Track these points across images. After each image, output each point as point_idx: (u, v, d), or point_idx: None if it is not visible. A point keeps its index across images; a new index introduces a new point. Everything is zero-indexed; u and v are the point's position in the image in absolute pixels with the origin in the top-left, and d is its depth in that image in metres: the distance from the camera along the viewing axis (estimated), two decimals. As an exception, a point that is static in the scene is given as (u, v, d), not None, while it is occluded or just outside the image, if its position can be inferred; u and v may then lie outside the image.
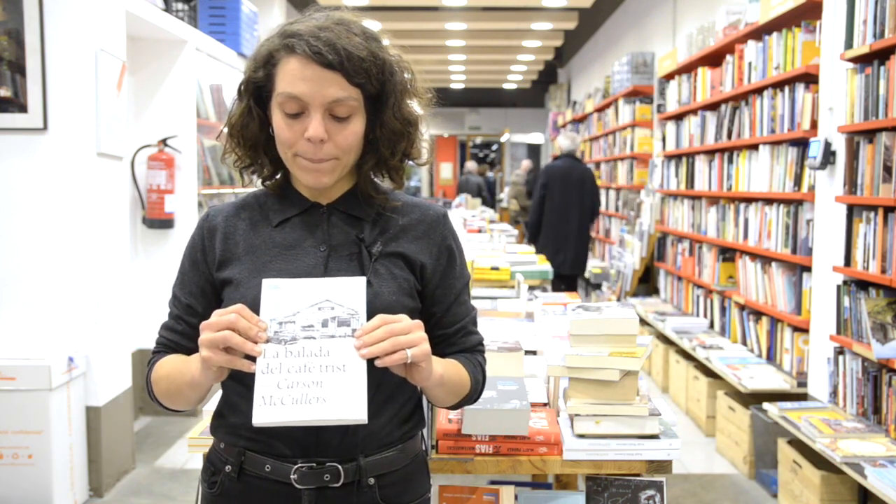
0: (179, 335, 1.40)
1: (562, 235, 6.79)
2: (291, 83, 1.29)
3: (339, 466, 1.33)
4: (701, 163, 5.66)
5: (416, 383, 1.29)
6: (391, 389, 1.37)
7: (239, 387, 1.36)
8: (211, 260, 1.40)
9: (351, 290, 1.23)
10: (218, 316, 1.20)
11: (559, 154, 7.22)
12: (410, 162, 1.46)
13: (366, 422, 1.18)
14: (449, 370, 1.35)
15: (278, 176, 1.45)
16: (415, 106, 1.42)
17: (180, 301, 1.41)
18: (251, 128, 1.38)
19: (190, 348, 1.36)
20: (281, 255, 1.37)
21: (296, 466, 1.32)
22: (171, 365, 1.35)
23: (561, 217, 6.80)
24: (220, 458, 1.39)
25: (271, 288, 1.23)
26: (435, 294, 1.42)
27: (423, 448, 1.49)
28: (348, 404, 1.18)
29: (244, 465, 1.35)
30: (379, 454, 1.36)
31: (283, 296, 1.22)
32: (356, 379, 1.19)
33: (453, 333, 1.44)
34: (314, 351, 1.20)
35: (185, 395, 1.34)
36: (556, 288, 5.85)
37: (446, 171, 19.93)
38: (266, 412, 1.17)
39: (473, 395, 1.45)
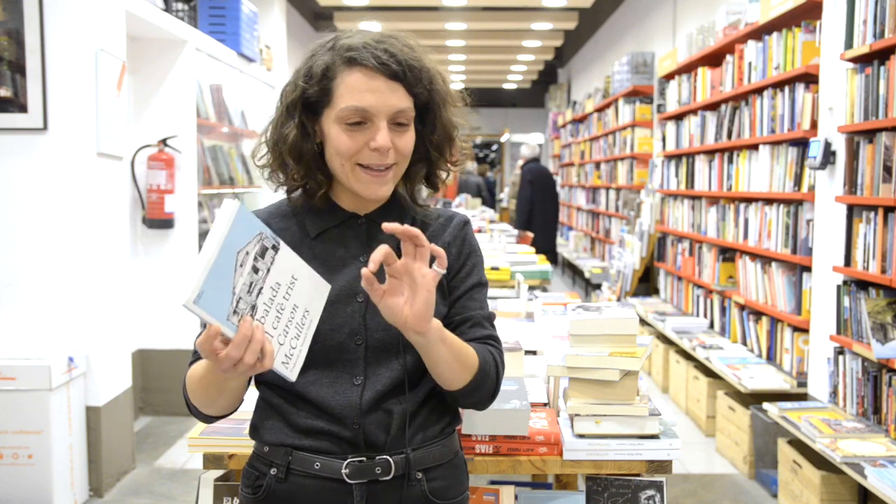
0: None
1: (546, 223, 8.85)
2: (357, 96, 1.31)
3: (390, 459, 1.35)
4: (701, 163, 5.66)
5: (418, 334, 1.24)
6: (432, 383, 1.39)
7: (277, 390, 1.38)
8: None
9: (242, 219, 1.14)
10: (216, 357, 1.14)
11: (529, 159, 9.25)
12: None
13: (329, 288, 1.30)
14: (449, 334, 1.31)
15: (305, 188, 1.44)
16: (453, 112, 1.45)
17: None
18: (307, 146, 1.36)
19: None
20: (322, 267, 1.36)
21: (347, 461, 1.34)
22: (206, 364, 1.29)
23: (546, 206, 8.91)
24: (265, 462, 1.39)
25: (197, 296, 1.09)
26: (452, 283, 1.43)
27: (461, 448, 1.51)
28: (318, 294, 1.29)
29: (291, 465, 1.36)
30: (424, 448, 1.38)
31: (211, 279, 1.10)
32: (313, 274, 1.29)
33: (461, 322, 1.41)
34: (270, 298, 1.19)
35: (224, 388, 1.28)
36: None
37: (446, 171, 19.90)
38: (296, 368, 1.24)
39: (485, 378, 1.37)
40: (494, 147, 21.95)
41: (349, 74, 1.31)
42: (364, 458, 1.34)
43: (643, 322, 6.00)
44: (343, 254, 1.39)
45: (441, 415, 1.43)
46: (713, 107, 5.45)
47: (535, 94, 18.14)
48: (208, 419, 1.38)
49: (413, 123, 1.37)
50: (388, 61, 1.31)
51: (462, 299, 1.43)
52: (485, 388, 1.38)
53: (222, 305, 1.12)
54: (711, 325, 5.42)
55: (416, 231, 1.19)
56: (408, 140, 1.36)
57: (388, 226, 1.19)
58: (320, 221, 1.41)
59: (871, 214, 3.27)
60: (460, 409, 1.53)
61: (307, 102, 1.35)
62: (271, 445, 1.38)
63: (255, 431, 1.42)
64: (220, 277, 1.11)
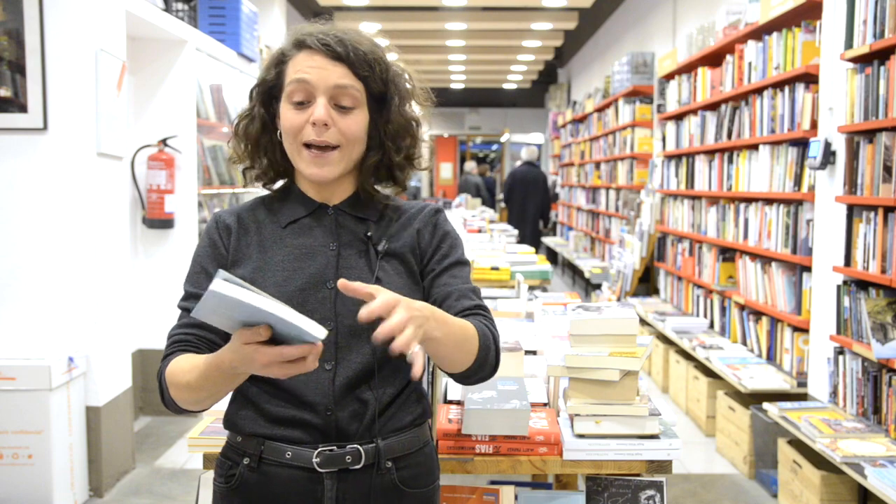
0: (195, 335, 1.40)
1: (523, 218, 9.95)
2: (299, 70, 1.39)
3: (360, 448, 1.37)
4: (701, 163, 5.66)
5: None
6: (405, 376, 1.42)
7: (255, 381, 1.40)
8: (227, 256, 1.44)
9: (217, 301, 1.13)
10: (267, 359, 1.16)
11: (521, 162, 10.39)
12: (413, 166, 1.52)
13: None
14: (444, 315, 1.30)
15: (282, 179, 1.51)
16: (416, 110, 1.49)
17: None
18: (253, 127, 1.45)
19: (211, 347, 1.38)
20: (292, 255, 1.41)
21: (317, 450, 1.36)
22: (201, 358, 1.30)
23: (521, 206, 10.06)
24: (237, 452, 1.41)
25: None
26: (429, 267, 1.47)
27: (432, 439, 1.53)
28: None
29: (263, 454, 1.38)
30: (394, 437, 1.40)
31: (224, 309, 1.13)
32: None
33: (445, 297, 1.42)
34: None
35: (214, 387, 1.30)
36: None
37: (446, 171, 19.93)
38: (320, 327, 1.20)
39: (486, 352, 1.38)
40: (494, 147, 21.96)
41: (297, 56, 1.41)
42: (335, 448, 1.36)
43: (643, 322, 6.00)
44: (312, 243, 1.43)
45: (413, 406, 1.45)
46: (713, 107, 5.45)
47: (535, 94, 18.13)
48: (185, 413, 1.42)
49: (365, 111, 1.42)
50: (331, 43, 1.38)
51: (442, 276, 1.45)
52: (487, 364, 1.40)
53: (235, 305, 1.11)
54: (711, 325, 5.42)
55: (358, 288, 1.18)
56: (352, 122, 1.39)
57: (344, 284, 1.17)
58: (290, 212, 1.46)
59: (871, 214, 3.27)
60: (446, 406, 1.54)
61: (267, 89, 1.45)
62: (245, 436, 1.40)
63: (229, 422, 1.44)
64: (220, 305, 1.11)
